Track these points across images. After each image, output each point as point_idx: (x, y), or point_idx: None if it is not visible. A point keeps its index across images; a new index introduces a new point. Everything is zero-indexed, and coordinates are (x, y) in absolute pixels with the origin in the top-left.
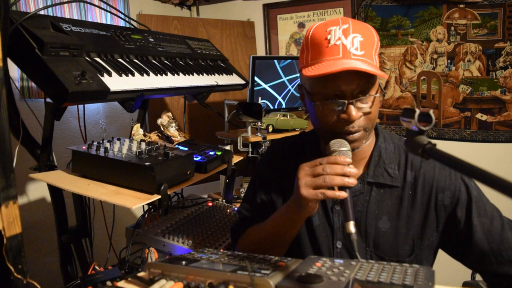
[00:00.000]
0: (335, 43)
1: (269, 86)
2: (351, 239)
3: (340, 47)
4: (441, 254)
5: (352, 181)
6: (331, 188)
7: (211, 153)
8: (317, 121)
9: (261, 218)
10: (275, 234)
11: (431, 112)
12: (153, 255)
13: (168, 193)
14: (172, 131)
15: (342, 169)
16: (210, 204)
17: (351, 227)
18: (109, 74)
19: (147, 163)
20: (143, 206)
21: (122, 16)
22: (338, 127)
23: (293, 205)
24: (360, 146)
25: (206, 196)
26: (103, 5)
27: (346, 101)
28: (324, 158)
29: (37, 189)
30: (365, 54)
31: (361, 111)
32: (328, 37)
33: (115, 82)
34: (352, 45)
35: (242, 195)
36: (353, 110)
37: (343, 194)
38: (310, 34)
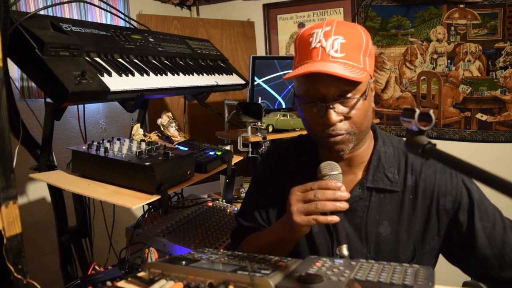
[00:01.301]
0: (315, 45)
1: (269, 86)
2: None
3: (319, 50)
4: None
5: (343, 205)
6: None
7: (211, 153)
8: (304, 124)
9: (259, 226)
10: (270, 249)
11: (431, 112)
12: (153, 255)
13: (168, 193)
14: (172, 131)
15: (333, 194)
16: (210, 204)
17: (344, 250)
18: (109, 74)
19: (147, 163)
20: (143, 206)
21: (122, 16)
22: (320, 130)
23: (286, 226)
24: (346, 149)
25: (206, 196)
26: (103, 5)
27: (324, 105)
28: (315, 183)
29: (37, 189)
30: (346, 57)
31: (342, 115)
32: (310, 40)
33: (115, 82)
34: (332, 47)
35: (242, 195)
36: (332, 114)
37: (335, 219)
38: (298, 37)
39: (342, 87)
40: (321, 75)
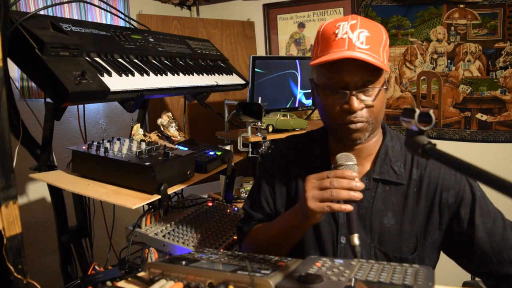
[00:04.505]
0: (342, 36)
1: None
2: (355, 251)
3: (346, 40)
4: (441, 254)
5: (358, 195)
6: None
7: (211, 153)
8: (322, 113)
9: (266, 217)
10: (279, 238)
11: (431, 112)
12: (153, 255)
13: (168, 193)
14: (172, 131)
15: (348, 183)
16: (210, 204)
17: (356, 239)
18: (109, 74)
19: (147, 163)
20: (143, 206)
21: (122, 16)
22: (341, 118)
23: (299, 214)
24: (363, 138)
25: (206, 196)
26: (103, 5)
27: (348, 92)
28: (331, 171)
29: (37, 189)
30: (370, 49)
31: (364, 103)
32: (336, 31)
33: (115, 82)
34: (358, 39)
35: (242, 195)
36: (355, 101)
37: (349, 207)
38: (321, 29)
39: (366, 77)
40: (347, 64)
